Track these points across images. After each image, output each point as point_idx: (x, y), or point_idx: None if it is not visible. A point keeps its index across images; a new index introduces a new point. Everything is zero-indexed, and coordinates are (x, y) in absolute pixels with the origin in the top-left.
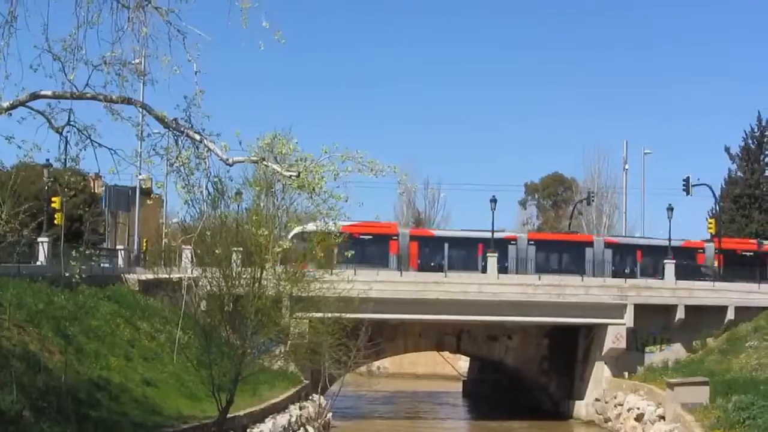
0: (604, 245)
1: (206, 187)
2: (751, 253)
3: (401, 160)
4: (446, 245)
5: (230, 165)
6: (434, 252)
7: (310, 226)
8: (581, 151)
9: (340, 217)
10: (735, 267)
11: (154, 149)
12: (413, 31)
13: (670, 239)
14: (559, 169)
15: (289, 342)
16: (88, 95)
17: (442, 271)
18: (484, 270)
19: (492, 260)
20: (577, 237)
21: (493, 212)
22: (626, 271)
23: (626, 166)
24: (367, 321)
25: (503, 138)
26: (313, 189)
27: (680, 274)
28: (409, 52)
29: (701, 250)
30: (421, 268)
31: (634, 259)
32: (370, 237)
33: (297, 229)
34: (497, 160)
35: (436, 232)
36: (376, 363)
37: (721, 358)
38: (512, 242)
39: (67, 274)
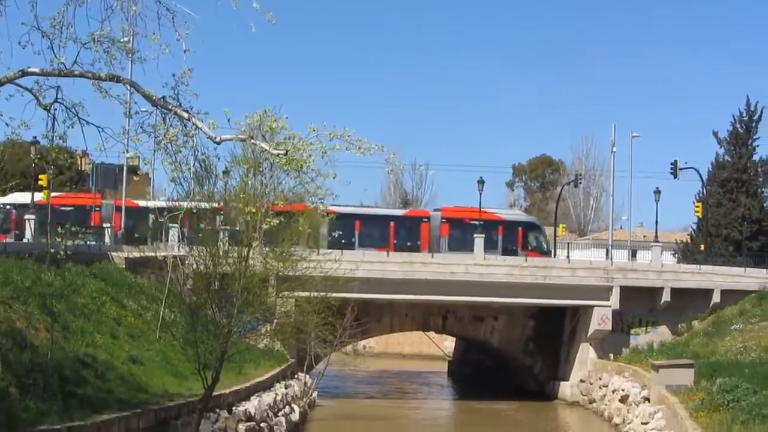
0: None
1: (193, 164)
2: (479, 222)
3: (389, 141)
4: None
5: (218, 143)
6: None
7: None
8: (569, 133)
9: (327, 196)
10: (458, 236)
11: (141, 127)
12: (402, 13)
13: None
14: (547, 152)
15: (275, 321)
16: (76, 73)
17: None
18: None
19: (479, 241)
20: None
21: (480, 193)
22: (343, 242)
23: (614, 149)
24: (354, 300)
25: (492, 120)
26: (301, 167)
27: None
28: (398, 34)
29: (426, 219)
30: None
31: (352, 229)
32: None
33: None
34: (485, 142)
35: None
36: (362, 342)
37: (706, 340)
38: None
39: (53, 251)
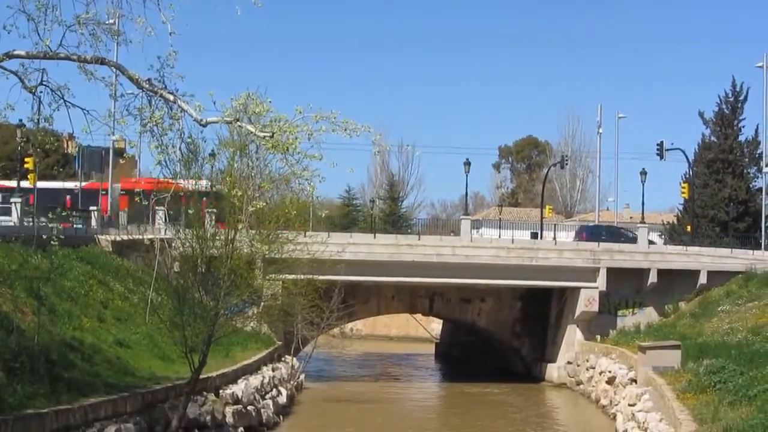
0: None
1: (179, 147)
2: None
3: (376, 123)
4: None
5: (204, 125)
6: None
7: None
8: (555, 115)
9: (314, 178)
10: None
11: (127, 110)
12: None
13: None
14: (533, 133)
15: (262, 303)
16: (62, 55)
17: None
18: None
19: (465, 222)
20: None
21: (466, 175)
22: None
23: (600, 130)
24: (340, 283)
25: (478, 102)
26: (287, 149)
27: None
28: (384, 17)
29: (105, 192)
30: None
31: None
32: None
33: None
34: (472, 124)
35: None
36: (349, 325)
37: (693, 322)
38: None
39: (44, 237)
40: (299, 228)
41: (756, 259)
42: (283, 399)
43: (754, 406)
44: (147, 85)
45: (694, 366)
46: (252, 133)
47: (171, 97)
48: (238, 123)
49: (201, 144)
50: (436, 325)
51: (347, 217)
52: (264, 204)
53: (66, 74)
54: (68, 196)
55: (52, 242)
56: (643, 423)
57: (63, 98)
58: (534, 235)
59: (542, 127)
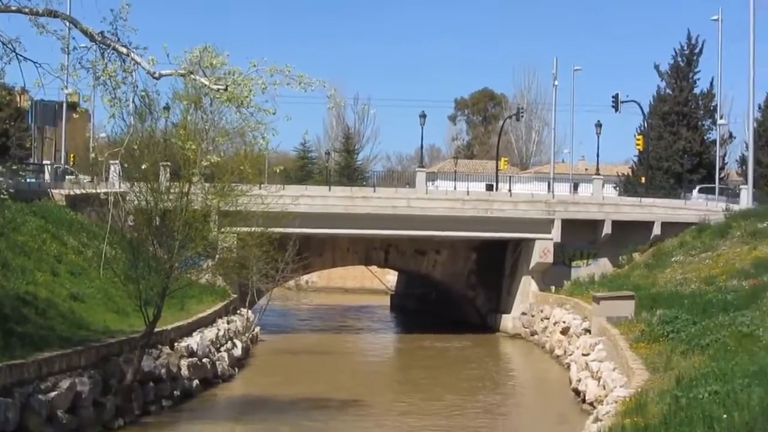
0: None
1: (133, 100)
2: None
3: (331, 77)
4: None
5: (157, 78)
6: None
7: None
8: (511, 68)
9: (268, 131)
10: None
11: (80, 63)
12: None
13: None
14: (489, 86)
15: (217, 256)
16: (13, 8)
17: None
18: None
19: (421, 175)
20: None
21: (422, 127)
22: None
23: (556, 83)
24: (295, 235)
25: (434, 55)
26: (242, 102)
27: None
28: None
29: None
30: None
31: None
32: None
33: None
34: (428, 77)
35: None
36: (305, 277)
37: (646, 272)
38: None
39: None
40: (254, 181)
41: (709, 210)
42: (238, 351)
43: (707, 355)
44: (100, 38)
45: (647, 316)
46: (206, 86)
47: (124, 50)
48: (192, 76)
49: (155, 97)
50: (391, 277)
51: (303, 170)
52: (218, 158)
53: (17, 27)
54: None
55: (1, 196)
56: (597, 372)
57: (14, 51)
58: (489, 187)
59: (498, 80)
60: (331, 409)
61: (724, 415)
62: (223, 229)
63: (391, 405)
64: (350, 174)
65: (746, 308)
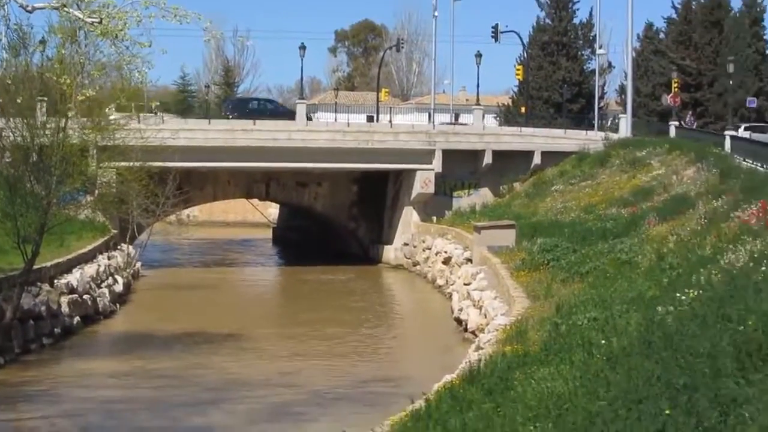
0: None
1: (5, 34)
2: None
3: (211, 10)
4: None
5: (30, 11)
6: None
7: None
8: None
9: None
10: None
11: None
12: None
13: None
14: (369, 17)
15: (96, 191)
16: None
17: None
18: None
19: (301, 107)
20: None
21: (302, 59)
22: None
23: (436, 14)
24: (175, 169)
25: None
26: (116, 36)
27: None
28: None
29: None
30: None
31: None
32: None
33: None
34: (308, 8)
35: None
36: (186, 211)
37: (527, 201)
38: None
39: None
40: (132, 114)
41: (589, 140)
42: (119, 287)
43: (586, 282)
44: None
45: (528, 245)
46: (80, 19)
47: None
48: (66, 9)
49: (29, 31)
50: (273, 210)
51: (182, 104)
52: (94, 92)
53: None
54: None
55: None
56: (478, 301)
57: None
58: (370, 119)
59: (378, 11)
60: (213, 343)
61: (603, 341)
62: (101, 164)
63: (274, 339)
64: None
65: (625, 236)
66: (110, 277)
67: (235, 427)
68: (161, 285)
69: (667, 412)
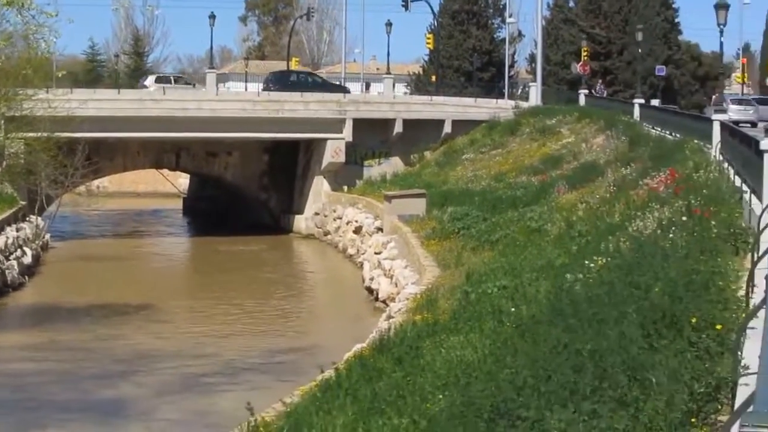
0: None
1: None
2: None
3: None
4: None
5: None
6: None
7: None
8: None
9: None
10: None
11: None
12: None
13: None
14: None
15: (4, 162)
16: None
17: None
18: None
19: (211, 76)
20: None
21: (212, 28)
22: None
23: None
24: (85, 140)
25: None
26: (23, 5)
27: None
28: None
29: None
30: None
31: None
32: None
33: None
34: None
35: None
36: (96, 182)
37: (438, 170)
38: None
39: None
40: (40, 85)
41: (499, 108)
42: (28, 259)
43: (496, 250)
44: None
45: (438, 213)
46: None
47: None
48: None
49: None
50: (183, 180)
51: (92, 73)
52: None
53: None
54: None
55: None
56: (389, 270)
57: None
58: None
59: None
60: (123, 315)
61: (513, 309)
62: (8, 135)
63: (185, 310)
64: (140, 76)
65: (535, 204)
66: (18, 249)
67: (144, 398)
68: (71, 257)
69: (575, 379)
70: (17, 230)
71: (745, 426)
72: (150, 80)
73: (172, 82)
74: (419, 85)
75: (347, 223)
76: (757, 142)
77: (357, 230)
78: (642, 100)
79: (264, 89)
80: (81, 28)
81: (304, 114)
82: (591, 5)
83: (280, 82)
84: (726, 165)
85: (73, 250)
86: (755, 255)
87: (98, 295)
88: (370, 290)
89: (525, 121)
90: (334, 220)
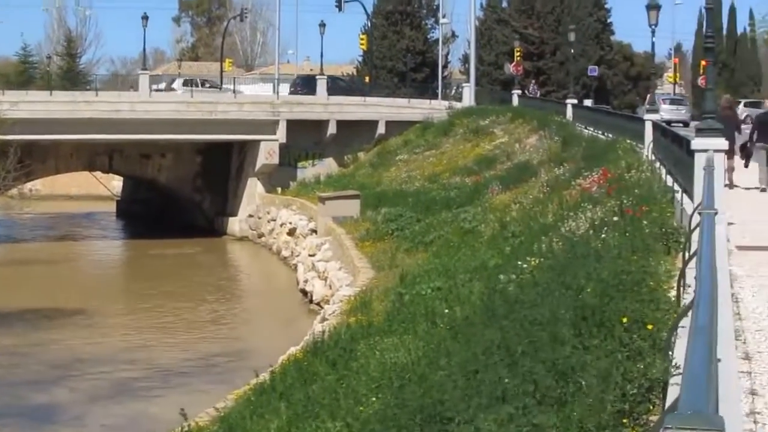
0: None
1: None
2: None
3: None
4: None
5: None
6: None
7: None
8: None
9: None
10: None
11: None
12: None
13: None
14: None
15: None
16: None
17: None
18: None
19: (144, 78)
20: None
21: (144, 29)
22: None
23: None
24: (16, 142)
25: None
26: None
27: None
28: None
29: None
30: None
31: None
32: None
33: None
34: None
35: None
36: (28, 185)
37: (371, 171)
38: None
39: None
40: None
41: (433, 109)
42: None
43: (430, 251)
44: None
45: (372, 215)
46: None
47: None
48: None
49: None
50: (117, 183)
51: (24, 75)
52: None
53: None
54: None
55: None
56: (323, 272)
57: None
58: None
59: None
60: (56, 320)
61: (446, 310)
62: None
63: (118, 314)
64: (73, 78)
65: (469, 204)
66: None
67: (78, 403)
68: (2, 261)
69: (506, 380)
70: None
71: (669, 428)
72: (177, 83)
73: (200, 85)
74: (353, 85)
75: (281, 225)
76: (689, 142)
77: (291, 232)
78: (575, 100)
79: (291, 93)
80: (12, 30)
81: (237, 115)
82: (524, 6)
83: (309, 85)
84: (658, 165)
85: (5, 254)
86: (686, 254)
87: (31, 299)
88: (304, 292)
89: (458, 121)
90: (268, 222)
